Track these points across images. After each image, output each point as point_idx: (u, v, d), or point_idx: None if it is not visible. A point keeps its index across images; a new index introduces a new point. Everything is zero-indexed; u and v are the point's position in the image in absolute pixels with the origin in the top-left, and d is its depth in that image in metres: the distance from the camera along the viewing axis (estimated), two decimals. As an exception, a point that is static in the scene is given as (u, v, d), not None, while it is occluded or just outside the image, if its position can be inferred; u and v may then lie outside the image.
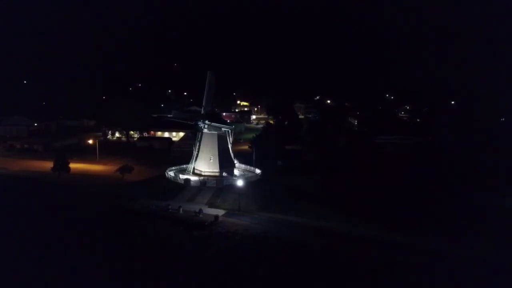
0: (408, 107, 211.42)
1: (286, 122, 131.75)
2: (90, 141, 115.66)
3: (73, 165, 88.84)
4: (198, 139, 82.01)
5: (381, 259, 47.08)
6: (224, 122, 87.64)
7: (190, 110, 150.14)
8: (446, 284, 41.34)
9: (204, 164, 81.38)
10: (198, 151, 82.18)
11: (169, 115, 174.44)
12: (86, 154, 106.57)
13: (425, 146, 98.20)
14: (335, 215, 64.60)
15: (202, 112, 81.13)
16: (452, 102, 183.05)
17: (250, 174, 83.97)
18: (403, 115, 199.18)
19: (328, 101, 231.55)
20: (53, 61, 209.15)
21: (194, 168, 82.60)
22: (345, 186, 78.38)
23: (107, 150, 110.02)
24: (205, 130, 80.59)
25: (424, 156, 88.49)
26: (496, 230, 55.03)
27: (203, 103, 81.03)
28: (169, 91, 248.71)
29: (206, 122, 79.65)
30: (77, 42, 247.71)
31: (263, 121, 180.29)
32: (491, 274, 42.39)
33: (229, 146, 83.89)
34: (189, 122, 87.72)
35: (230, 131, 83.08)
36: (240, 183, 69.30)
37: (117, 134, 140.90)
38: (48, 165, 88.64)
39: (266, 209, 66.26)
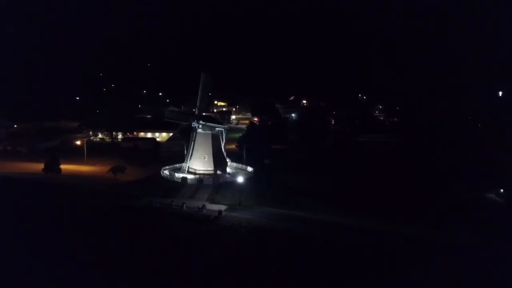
0: (381, 107, 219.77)
1: (269, 122, 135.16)
2: (78, 142, 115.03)
3: (62, 167, 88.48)
4: (192, 139, 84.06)
5: (378, 246, 51.18)
6: (218, 122, 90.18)
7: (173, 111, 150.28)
8: (436, 270, 45.51)
9: (199, 163, 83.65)
10: (192, 150, 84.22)
11: (148, 116, 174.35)
12: (72, 155, 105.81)
13: (407, 144, 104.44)
14: (329, 209, 69.01)
15: (196, 112, 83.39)
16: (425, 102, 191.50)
17: (242, 172, 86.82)
18: (378, 114, 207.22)
19: (304, 101, 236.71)
20: (29, 61, 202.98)
21: (188, 167, 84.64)
22: (336, 182, 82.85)
23: (92, 151, 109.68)
24: (199, 130, 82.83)
25: (406, 154, 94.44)
26: (476, 220, 61.45)
27: (197, 104, 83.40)
28: (144, 91, 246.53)
29: (201, 122, 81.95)
30: (54, 43, 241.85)
31: (244, 121, 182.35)
32: (473, 259, 46.92)
33: (222, 145, 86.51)
34: (183, 122, 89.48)
35: (223, 130, 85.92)
36: (240, 179, 72.21)
37: (99, 135, 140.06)
38: (36, 166, 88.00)
39: (264, 204, 69.55)
